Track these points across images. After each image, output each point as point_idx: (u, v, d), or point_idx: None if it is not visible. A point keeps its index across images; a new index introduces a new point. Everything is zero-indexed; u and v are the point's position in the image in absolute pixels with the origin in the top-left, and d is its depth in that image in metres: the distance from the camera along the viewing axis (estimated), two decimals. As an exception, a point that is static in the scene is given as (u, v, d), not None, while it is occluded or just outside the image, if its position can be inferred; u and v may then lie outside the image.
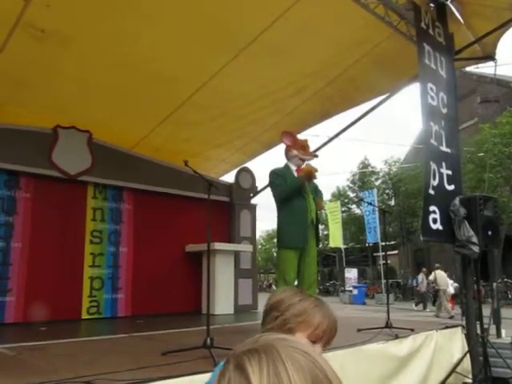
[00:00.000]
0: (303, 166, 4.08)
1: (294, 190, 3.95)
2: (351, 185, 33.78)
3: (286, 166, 4.16)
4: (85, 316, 6.19)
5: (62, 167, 6.07)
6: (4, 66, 4.78)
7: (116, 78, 5.30)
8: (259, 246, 44.31)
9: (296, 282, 4.04)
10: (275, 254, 46.48)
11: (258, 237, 8.87)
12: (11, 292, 5.61)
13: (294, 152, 4.13)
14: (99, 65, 5.06)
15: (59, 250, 6.04)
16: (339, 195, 34.18)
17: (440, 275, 14.44)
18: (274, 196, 4.10)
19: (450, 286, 14.49)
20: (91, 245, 6.44)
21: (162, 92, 5.67)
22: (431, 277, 14.65)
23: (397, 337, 3.95)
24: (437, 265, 15.65)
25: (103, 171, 6.41)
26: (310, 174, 3.97)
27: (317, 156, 4.27)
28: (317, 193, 4.27)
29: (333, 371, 0.60)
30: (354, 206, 33.91)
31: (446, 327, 4.61)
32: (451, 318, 12.09)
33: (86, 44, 4.72)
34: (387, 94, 6.49)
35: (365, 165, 32.35)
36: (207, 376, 2.41)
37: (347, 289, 23.44)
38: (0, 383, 2.21)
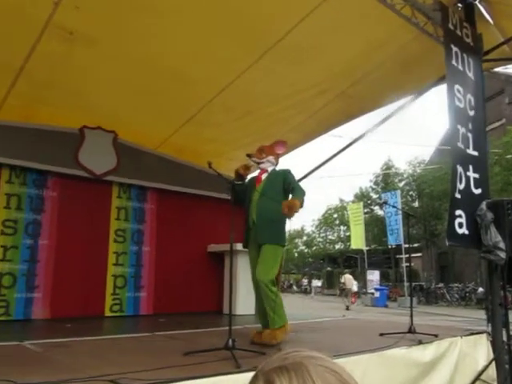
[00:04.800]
0: None
1: (232, 192, 3.96)
2: (374, 186, 33.43)
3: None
4: (108, 313, 6.30)
5: (88, 167, 6.18)
6: (33, 67, 4.90)
7: (141, 79, 5.36)
8: (280, 247, 44.15)
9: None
10: (296, 255, 46.43)
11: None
12: (38, 289, 5.75)
13: None
14: (125, 65, 5.13)
15: (84, 247, 6.16)
16: (362, 196, 33.88)
17: (348, 278, 20.16)
18: None
19: (354, 286, 20.57)
20: (115, 243, 6.54)
21: (186, 92, 5.71)
22: (342, 279, 20.60)
23: (420, 342, 3.90)
24: (346, 270, 23.44)
25: (128, 171, 6.50)
26: (236, 172, 4.19)
27: (248, 156, 4.30)
28: (293, 191, 4.12)
29: None
30: (376, 208, 33.57)
31: (471, 334, 4.52)
32: (347, 308, 17.56)
33: (112, 45, 4.78)
34: (413, 95, 6.40)
35: (388, 166, 31.97)
36: (230, 378, 2.43)
37: (369, 291, 23.19)
38: (27, 379, 2.26)
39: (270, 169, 4.33)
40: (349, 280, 20.05)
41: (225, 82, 5.64)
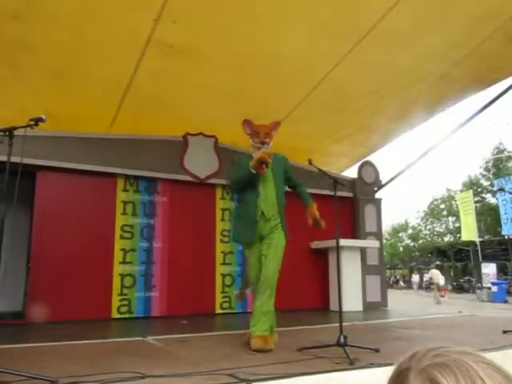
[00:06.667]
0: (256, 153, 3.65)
1: (243, 181, 3.65)
2: (485, 172, 30.99)
3: (250, 156, 3.80)
4: (218, 310, 6.57)
5: (193, 172, 6.51)
6: (138, 82, 5.28)
7: (236, 82, 5.51)
8: (384, 241, 42.82)
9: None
10: (401, 249, 44.43)
11: (382, 231, 8.59)
12: (155, 288, 6.18)
13: (250, 141, 3.83)
14: (220, 71, 5.30)
15: (194, 248, 6.49)
16: (471, 184, 31.58)
17: (435, 273, 20.64)
18: (229, 186, 3.88)
19: (441, 280, 20.50)
20: (221, 244, 6.80)
21: (281, 91, 5.77)
22: (429, 274, 21.86)
23: (552, 340, 3.54)
24: (432, 265, 24.57)
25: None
26: (261, 161, 3.52)
27: (265, 142, 3.73)
28: (295, 184, 3.96)
29: None
30: (488, 196, 31.10)
31: None
32: (437, 303, 16.84)
33: (206, 53, 4.97)
34: (526, 70, 5.83)
35: (500, 150, 29.43)
36: (344, 374, 2.41)
37: (485, 285, 21.51)
38: (153, 372, 2.43)
39: None
40: (435, 275, 20.65)
41: (319, 77, 5.60)
